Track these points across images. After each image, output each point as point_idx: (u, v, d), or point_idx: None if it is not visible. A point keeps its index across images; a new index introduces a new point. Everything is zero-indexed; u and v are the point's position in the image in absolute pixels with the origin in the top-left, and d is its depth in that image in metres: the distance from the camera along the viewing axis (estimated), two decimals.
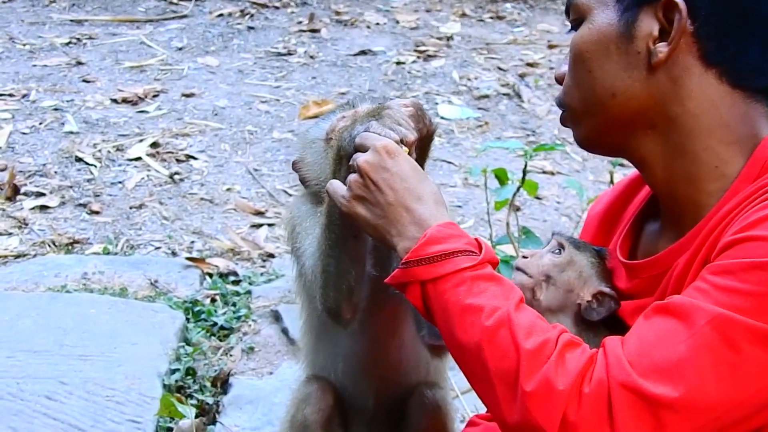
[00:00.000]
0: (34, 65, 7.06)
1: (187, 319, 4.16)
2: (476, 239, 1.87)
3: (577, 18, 1.96)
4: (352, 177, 1.96)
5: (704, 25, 1.84)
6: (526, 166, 4.16)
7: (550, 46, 8.04)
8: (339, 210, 2.03)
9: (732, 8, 1.84)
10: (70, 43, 7.51)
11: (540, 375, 1.67)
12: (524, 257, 2.06)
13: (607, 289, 2.03)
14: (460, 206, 5.37)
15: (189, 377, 3.81)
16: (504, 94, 7.04)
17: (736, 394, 1.64)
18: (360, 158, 1.95)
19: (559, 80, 2.02)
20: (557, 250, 2.08)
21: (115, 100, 6.50)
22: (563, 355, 1.69)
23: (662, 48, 1.85)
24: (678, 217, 1.93)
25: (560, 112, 2.03)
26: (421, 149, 2.12)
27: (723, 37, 1.85)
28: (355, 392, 2.52)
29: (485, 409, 2.15)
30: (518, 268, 2.06)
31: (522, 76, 7.37)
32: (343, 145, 2.08)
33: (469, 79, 7.22)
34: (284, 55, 7.49)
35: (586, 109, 1.95)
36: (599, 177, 5.91)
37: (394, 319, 2.40)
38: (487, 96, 6.96)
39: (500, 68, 7.52)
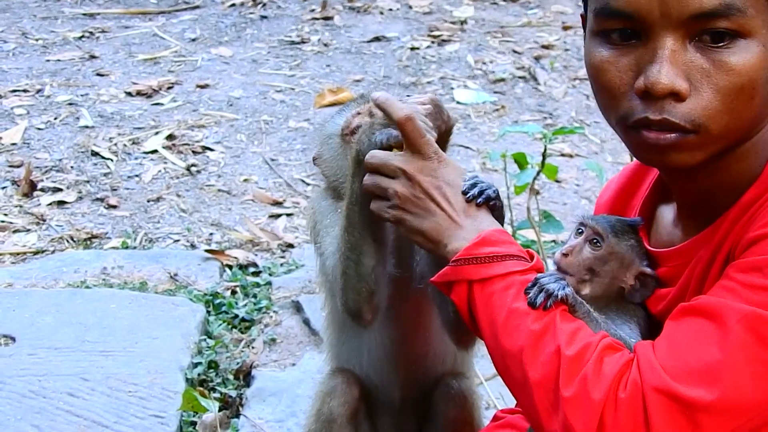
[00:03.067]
0: (48, 60, 7.04)
1: (208, 312, 4.14)
2: (527, 249, 1.88)
3: (736, 34, 1.67)
4: (397, 185, 1.94)
5: None
6: (545, 150, 4.12)
7: (565, 28, 7.97)
8: (358, 213, 2.07)
9: None
10: (83, 36, 7.49)
11: (578, 379, 1.65)
12: (564, 254, 2.01)
13: (648, 270, 2.00)
14: None
15: (211, 370, 3.79)
16: (520, 77, 6.99)
17: None
18: (403, 165, 1.93)
19: (681, 94, 1.69)
20: (595, 240, 2.02)
21: (129, 93, 6.48)
22: (601, 359, 1.67)
23: None
24: (697, 207, 1.89)
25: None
26: (440, 144, 2.10)
27: None
28: (381, 384, 2.50)
29: (510, 400, 2.13)
30: (560, 269, 2.01)
31: (537, 58, 7.32)
32: (363, 149, 2.07)
33: (484, 63, 7.17)
34: (298, 43, 7.46)
35: (728, 133, 1.73)
36: (618, 158, 5.86)
37: (420, 310, 2.38)
38: (502, 79, 6.91)
39: (515, 51, 7.46)
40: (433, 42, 7.55)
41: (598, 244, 2.00)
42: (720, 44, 1.67)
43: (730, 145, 1.75)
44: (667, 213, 2.02)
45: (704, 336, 1.63)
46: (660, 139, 1.71)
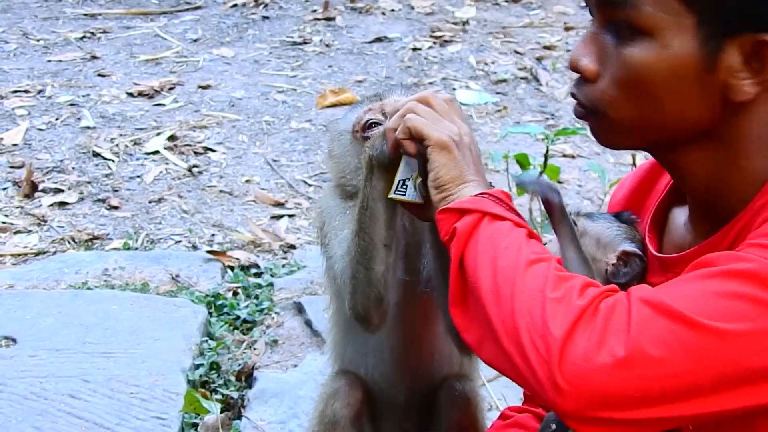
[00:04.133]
0: (49, 60, 7.04)
1: (210, 313, 4.13)
2: None
3: (634, 26, 1.71)
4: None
5: None
6: (547, 151, 4.12)
7: (567, 28, 7.97)
8: (369, 218, 2.07)
9: None
10: (84, 37, 7.49)
11: (565, 287, 1.65)
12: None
13: (630, 248, 2.01)
14: None
15: (213, 372, 3.78)
16: (522, 78, 6.98)
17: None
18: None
19: (580, 73, 1.80)
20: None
21: (131, 94, 6.47)
22: (586, 286, 1.67)
23: (750, 87, 1.70)
24: (712, 210, 1.87)
25: (580, 105, 1.91)
26: None
27: None
28: (385, 386, 2.49)
29: (513, 401, 2.11)
30: None
31: (539, 59, 7.31)
32: (375, 155, 2.06)
33: (486, 64, 7.17)
34: (300, 44, 7.45)
35: (637, 125, 1.79)
36: (620, 159, 5.85)
37: (425, 313, 2.37)
38: (504, 80, 6.91)
39: (517, 52, 7.45)
40: (435, 43, 7.54)
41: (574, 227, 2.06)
42: (623, 37, 1.72)
43: (660, 139, 1.79)
44: (679, 216, 2.01)
45: (702, 277, 1.64)
46: (575, 111, 1.85)
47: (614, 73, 1.74)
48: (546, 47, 7.53)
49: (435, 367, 2.47)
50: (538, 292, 1.66)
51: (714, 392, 1.60)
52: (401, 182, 2.04)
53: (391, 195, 2.05)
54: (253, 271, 4.53)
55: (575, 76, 1.84)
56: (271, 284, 4.39)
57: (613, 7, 1.72)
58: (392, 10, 8.20)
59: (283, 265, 4.59)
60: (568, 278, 1.68)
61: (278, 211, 5.13)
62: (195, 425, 3.46)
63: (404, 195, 2.04)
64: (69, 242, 4.80)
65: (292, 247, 4.78)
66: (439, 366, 2.47)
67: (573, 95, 1.84)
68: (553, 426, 2.07)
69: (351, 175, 2.26)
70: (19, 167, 5.44)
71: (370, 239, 2.12)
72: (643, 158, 5.09)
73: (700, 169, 1.82)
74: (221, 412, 3.47)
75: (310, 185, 5.41)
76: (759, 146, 1.78)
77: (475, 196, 1.84)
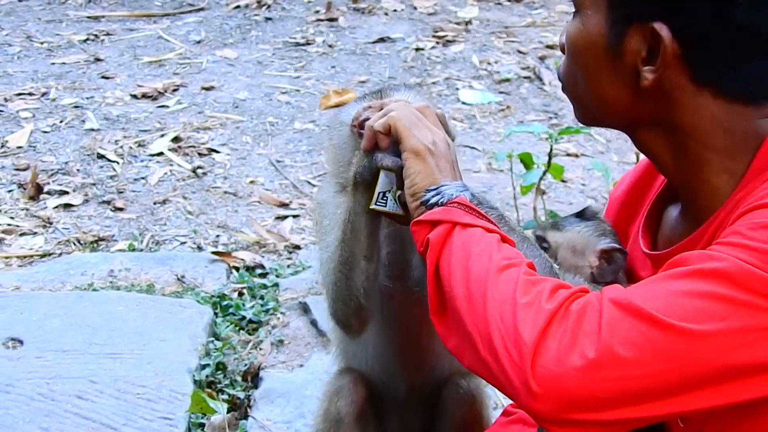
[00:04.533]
0: (53, 63, 7.05)
1: (216, 314, 4.15)
2: None
3: (574, 4, 1.89)
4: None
5: (691, 48, 1.77)
6: (551, 150, 4.13)
7: None
8: (351, 232, 2.15)
9: (717, 30, 1.76)
10: (87, 39, 7.50)
11: (535, 291, 1.68)
12: None
13: (606, 245, 2.02)
14: (485, 191, 5.32)
15: (219, 372, 3.79)
16: (525, 77, 6.99)
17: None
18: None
19: (561, 50, 1.97)
20: (544, 245, 2.10)
21: (134, 96, 6.48)
22: (561, 285, 1.71)
23: (648, 74, 1.79)
24: (693, 206, 1.91)
25: (557, 77, 2.02)
26: None
27: (717, 59, 1.78)
28: (387, 382, 2.51)
29: None
30: None
31: (542, 58, 7.31)
32: (359, 171, 2.14)
33: (489, 63, 7.17)
34: (303, 45, 7.46)
35: (582, 98, 1.92)
36: (624, 158, 5.86)
37: (423, 306, 2.38)
38: (507, 80, 6.91)
39: (520, 51, 7.46)
40: (437, 42, 7.55)
41: (545, 244, 2.10)
42: (573, 15, 1.91)
43: (600, 117, 1.92)
44: (673, 212, 2.04)
45: (672, 277, 1.66)
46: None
47: (565, 47, 1.92)
48: (549, 46, 7.53)
49: (436, 363, 2.49)
50: (508, 297, 1.69)
51: (686, 391, 1.62)
52: (381, 194, 2.13)
53: (372, 206, 2.14)
54: (258, 271, 4.54)
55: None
56: (276, 284, 4.40)
57: None
58: (395, 11, 8.21)
59: (288, 266, 4.60)
60: (538, 282, 1.71)
61: (283, 212, 5.14)
62: (202, 425, 3.48)
63: (384, 206, 2.13)
64: (74, 244, 4.81)
65: (297, 247, 4.80)
66: (441, 363, 2.49)
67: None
68: None
69: (344, 168, 2.29)
70: (24, 169, 5.45)
71: (351, 251, 2.19)
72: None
73: (665, 155, 1.88)
74: (228, 412, 3.48)
75: (314, 186, 5.42)
76: (715, 136, 1.82)
77: (446, 206, 1.89)
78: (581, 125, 2.18)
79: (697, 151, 1.84)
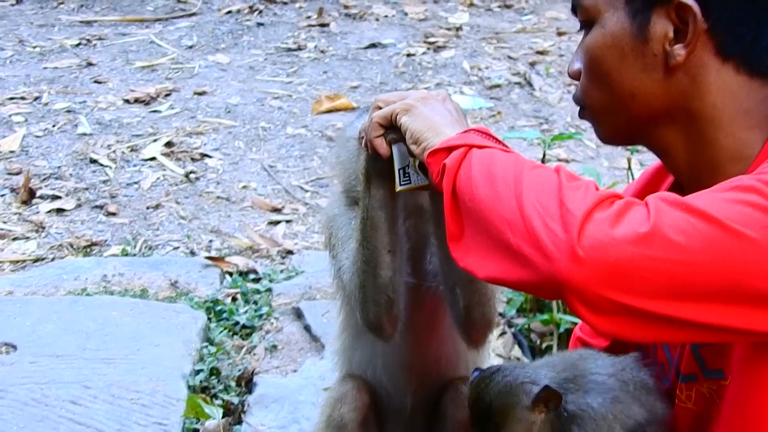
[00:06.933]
0: (45, 67, 7.06)
1: (209, 319, 4.15)
2: None
3: (586, 20, 1.95)
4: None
5: (718, 20, 1.84)
6: (544, 155, 4.14)
7: (559, 34, 8.01)
8: (370, 227, 2.13)
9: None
10: (80, 44, 7.51)
11: (580, 181, 1.71)
12: None
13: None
14: None
15: (213, 377, 3.80)
16: (515, 83, 7.02)
17: None
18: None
19: (573, 77, 2.01)
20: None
21: (127, 101, 6.49)
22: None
23: (680, 51, 1.85)
24: None
25: (575, 102, 2.04)
26: None
27: (737, 29, 1.85)
28: (393, 390, 2.52)
29: None
30: None
31: (532, 64, 7.35)
32: (370, 165, 2.14)
33: (480, 69, 7.20)
34: (294, 50, 7.48)
35: (607, 108, 1.96)
36: (614, 163, 5.89)
37: (433, 316, 2.41)
38: (498, 85, 6.94)
39: (510, 57, 7.49)
40: (428, 48, 7.57)
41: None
42: (585, 33, 1.96)
43: (628, 119, 1.94)
44: None
45: (714, 190, 1.70)
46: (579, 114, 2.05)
47: (583, 65, 1.96)
48: (539, 52, 7.57)
49: (442, 371, 2.50)
50: (551, 183, 1.69)
51: (724, 301, 1.62)
52: (401, 171, 2.09)
53: (399, 188, 2.10)
54: (252, 276, 4.55)
55: (568, 80, 1.98)
56: (269, 290, 4.41)
57: (575, 12, 1.97)
58: (386, 17, 8.23)
59: (281, 271, 4.61)
60: (581, 179, 1.73)
61: (275, 217, 5.15)
62: (196, 431, 3.48)
63: (409, 183, 2.09)
64: (67, 248, 4.82)
65: (290, 252, 4.81)
66: (446, 369, 2.50)
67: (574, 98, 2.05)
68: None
69: (356, 181, 2.30)
70: (17, 174, 5.46)
71: (374, 247, 2.17)
72: (637, 162, 5.12)
73: (679, 148, 1.93)
74: (222, 417, 3.49)
75: (306, 191, 5.43)
76: (730, 119, 1.88)
77: (462, 133, 1.90)
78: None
79: (715, 137, 1.89)
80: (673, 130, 1.92)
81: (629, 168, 4.17)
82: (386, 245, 2.17)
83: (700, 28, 1.83)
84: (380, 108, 2.08)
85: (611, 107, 1.95)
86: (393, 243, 2.19)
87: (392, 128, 2.06)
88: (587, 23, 1.95)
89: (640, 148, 2.60)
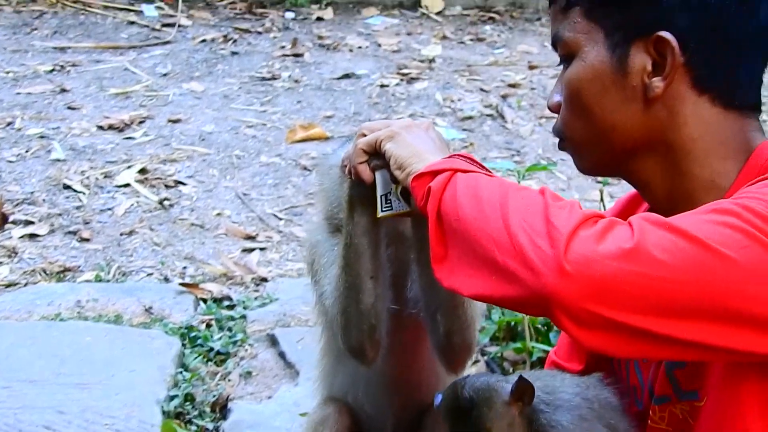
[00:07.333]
0: (18, 93, 7.04)
1: (184, 345, 4.15)
2: None
3: (566, 54, 1.99)
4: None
5: (695, 54, 1.89)
6: None
7: (531, 67, 8.10)
8: (353, 254, 2.16)
9: (719, 35, 1.90)
10: (53, 70, 7.50)
11: (564, 202, 1.73)
12: None
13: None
14: None
15: (188, 403, 3.80)
16: (488, 115, 7.08)
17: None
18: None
19: (553, 110, 2.05)
20: None
21: (101, 127, 6.49)
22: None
23: (658, 83, 1.90)
24: None
25: (547, 133, 2.10)
26: None
27: (713, 63, 1.91)
28: (374, 414, 2.54)
29: None
30: None
31: (504, 97, 7.42)
32: (354, 192, 2.18)
33: (452, 101, 7.27)
34: (269, 79, 7.52)
35: (588, 140, 2.00)
36: (585, 195, 5.95)
37: (415, 341, 2.43)
38: (471, 117, 7.01)
39: (483, 89, 7.57)
40: (402, 79, 7.64)
41: None
42: (564, 66, 2.01)
43: (607, 150, 1.98)
44: None
45: (695, 213, 1.74)
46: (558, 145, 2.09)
47: (564, 98, 2.01)
48: (511, 85, 7.65)
49: (422, 394, 2.52)
50: (536, 203, 1.72)
51: (706, 319, 1.65)
52: (383, 198, 2.11)
53: (380, 214, 2.12)
54: (226, 303, 4.56)
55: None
56: (243, 316, 4.42)
57: (555, 47, 2.02)
58: (359, 47, 8.29)
59: (256, 298, 4.63)
60: (565, 199, 1.76)
61: (249, 245, 5.17)
62: None
63: (390, 209, 2.11)
64: (40, 274, 4.81)
65: (264, 280, 4.83)
66: (426, 394, 2.52)
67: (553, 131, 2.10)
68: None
69: (339, 209, 2.33)
70: None
71: (357, 273, 2.20)
72: (608, 194, 5.18)
73: (657, 179, 1.98)
74: None
75: (280, 219, 5.46)
76: (706, 151, 1.93)
77: (447, 158, 1.94)
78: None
79: (690, 168, 1.93)
80: (652, 162, 1.97)
81: (601, 200, 4.23)
82: (369, 272, 2.20)
83: (677, 62, 1.88)
84: (365, 135, 2.12)
85: (592, 139, 1.99)
86: (376, 269, 2.22)
87: (376, 155, 2.10)
88: (567, 57, 1.99)
89: (611, 180, 2.66)
